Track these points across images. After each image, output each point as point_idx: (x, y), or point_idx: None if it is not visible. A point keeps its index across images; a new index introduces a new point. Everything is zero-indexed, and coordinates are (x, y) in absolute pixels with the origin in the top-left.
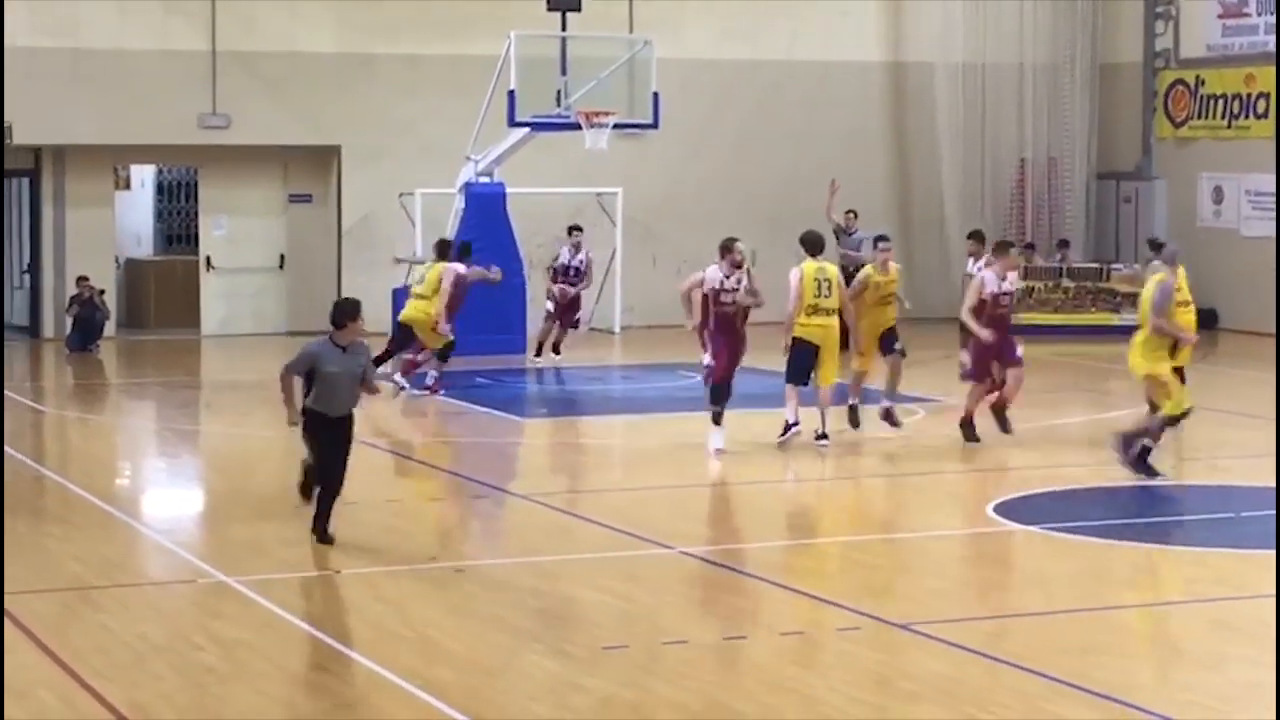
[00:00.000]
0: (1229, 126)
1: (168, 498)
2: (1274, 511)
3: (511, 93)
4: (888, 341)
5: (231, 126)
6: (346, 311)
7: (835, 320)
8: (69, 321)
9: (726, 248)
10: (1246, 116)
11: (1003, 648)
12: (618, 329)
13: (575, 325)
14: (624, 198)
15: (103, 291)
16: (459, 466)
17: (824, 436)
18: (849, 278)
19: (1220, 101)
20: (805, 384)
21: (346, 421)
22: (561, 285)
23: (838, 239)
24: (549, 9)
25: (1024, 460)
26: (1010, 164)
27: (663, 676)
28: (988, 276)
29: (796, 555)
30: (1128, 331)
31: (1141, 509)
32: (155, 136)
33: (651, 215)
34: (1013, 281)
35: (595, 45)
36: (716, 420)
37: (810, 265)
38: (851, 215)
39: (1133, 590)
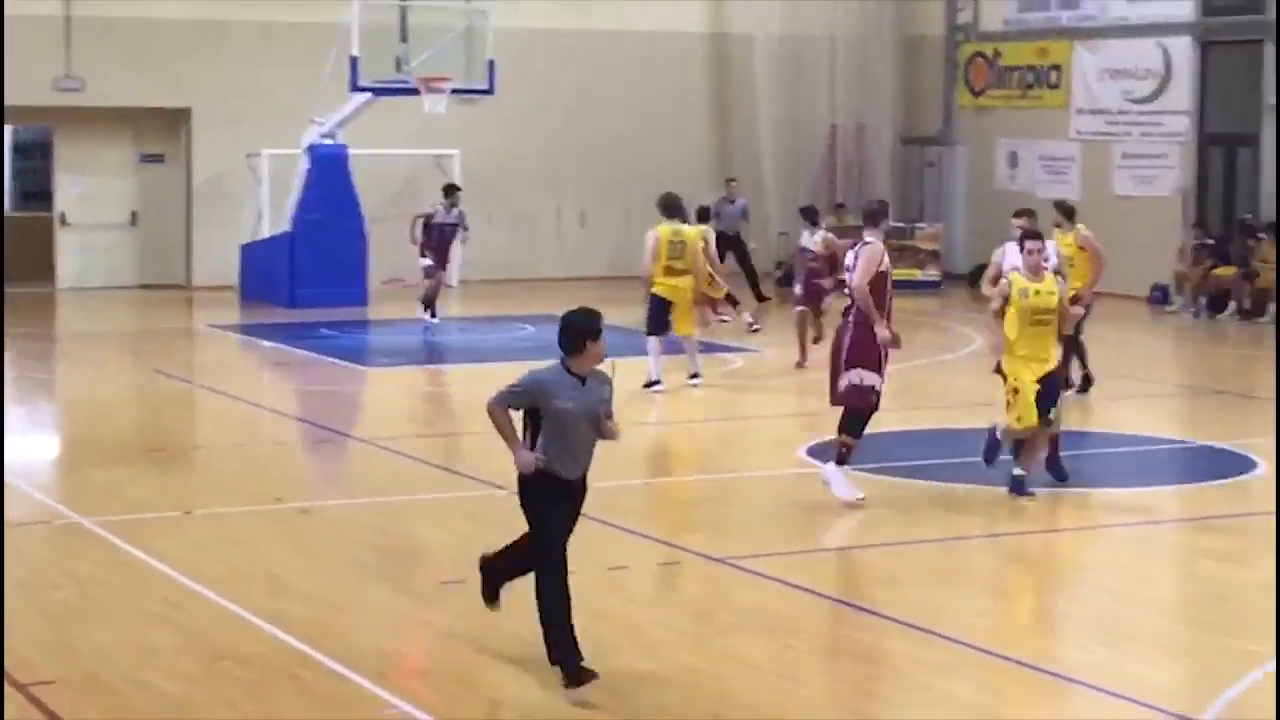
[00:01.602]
0: (1024, 96)
1: (26, 443)
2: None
3: (354, 59)
4: (1047, 393)
5: (85, 89)
6: (585, 328)
7: (688, 280)
8: None
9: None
10: (1040, 87)
11: (816, 580)
12: (455, 282)
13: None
14: (461, 159)
15: None
16: (304, 412)
17: (696, 375)
18: (733, 244)
19: (1016, 73)
20: (663, 334)
21: (582, 485)
22: (438, 241)
23: (719, 213)
24: None
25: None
26: (822, 129)
27: (500, 609)
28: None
29: (622, 495)
30: (932, 286)
31: (941, 451)
32: (11, 98)
33: (488, 176)
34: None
35: (434, 14)
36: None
37: (665, 229)
38: (733, 184)
39: (934, 526)
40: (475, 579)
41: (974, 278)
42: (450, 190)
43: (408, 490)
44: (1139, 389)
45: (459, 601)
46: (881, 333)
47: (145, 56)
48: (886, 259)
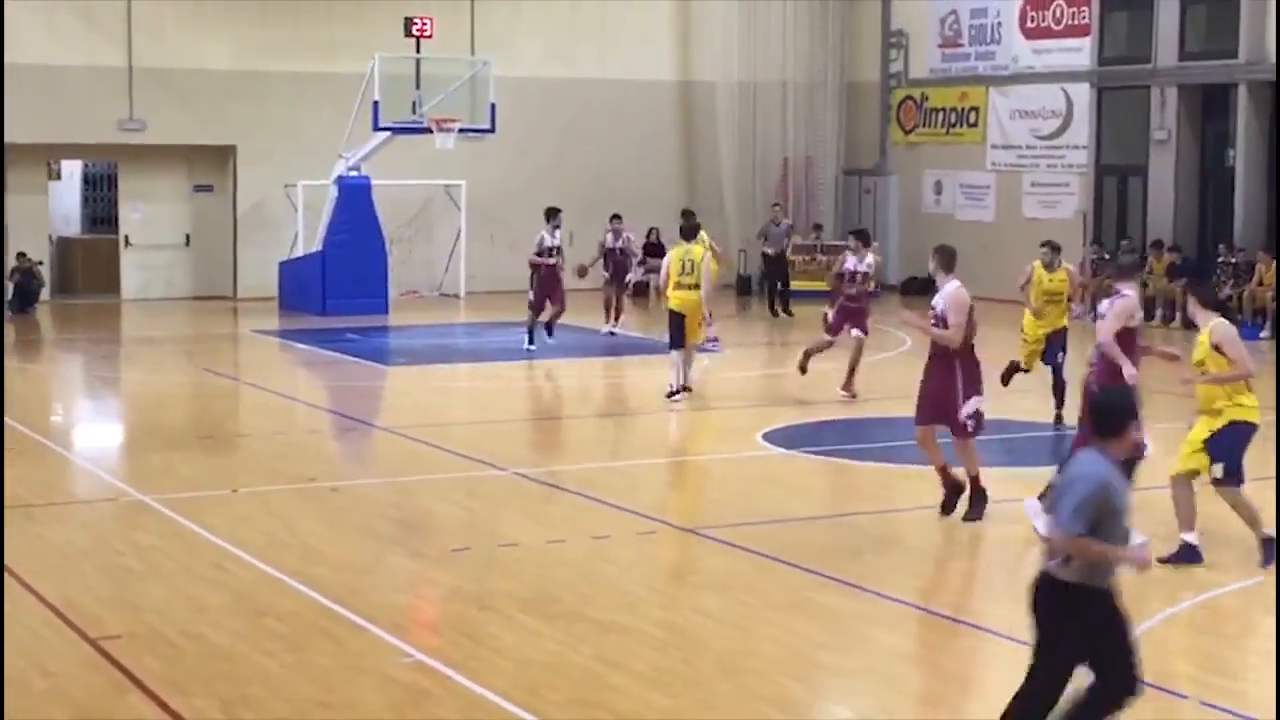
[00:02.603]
0: (947, 133)
1: (93, 431)
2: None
3: (376, 103)
4: (1052, 347)
5: (146, 129)
6: (1127, 409)
7: (696, 293)
8: (10, 288)
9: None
10: (960, 126)
11: (771, 547)
12: (463, 294)
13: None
14: (467, 188)
15: (40, 263)
16: (334, 405)
17: (680, 390)
18: (779, 260)
19: (940, 114)
20: (682, 346)
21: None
22: (544, 263)
23: (766, 234)
24: (405, 35)
25: (787, 397)
26: (775, 163)
27: (499, 572)
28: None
29: (605, 475)
30: (869, 295)
31: (877, 436)
32: (82, 137)
33: (489, 202)
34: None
35: (443, 65)
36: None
37: (678, 249)
38: (778, 209)
39: (871, 500)
40: (478, 546)
41: (905, 288)
42: (552, 214)
43: (421, 471)
44: (1048, 382)
45: (464, 565)
46: (1129, 370)
47: (197, 101)
48: (1139, 315)
